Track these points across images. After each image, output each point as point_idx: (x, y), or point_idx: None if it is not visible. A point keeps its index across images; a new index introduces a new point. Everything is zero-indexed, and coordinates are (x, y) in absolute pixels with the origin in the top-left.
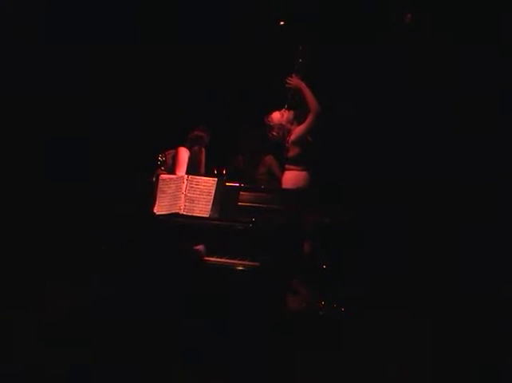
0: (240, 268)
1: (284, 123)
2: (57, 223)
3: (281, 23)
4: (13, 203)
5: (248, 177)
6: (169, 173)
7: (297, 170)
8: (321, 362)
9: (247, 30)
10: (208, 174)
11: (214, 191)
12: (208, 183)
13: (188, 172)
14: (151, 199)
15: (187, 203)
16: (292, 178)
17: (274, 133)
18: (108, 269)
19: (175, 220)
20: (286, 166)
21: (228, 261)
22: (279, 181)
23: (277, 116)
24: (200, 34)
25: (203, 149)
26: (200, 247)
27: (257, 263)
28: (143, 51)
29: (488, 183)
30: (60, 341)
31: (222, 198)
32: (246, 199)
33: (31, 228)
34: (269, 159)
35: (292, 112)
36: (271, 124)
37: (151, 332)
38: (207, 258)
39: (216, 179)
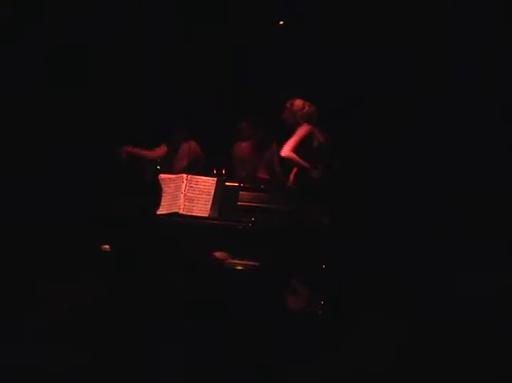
0: (240, 268)
1: (299, 115)
2: (57, 223)
3: (281, 23)
4: (13, 203)
5: (252, 164)
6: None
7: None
8: (321, 362)
9: (245, 28)
10: (208, 174)
11: (213, 191)
12: (207, 183)
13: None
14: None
15: (186, 203)
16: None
17: (285, 117)
18: (109, 269)
19: (174, 220)
20: None
21: (228, 261)
22: (278, 176)
23: (298, 104)
24: (197, 32)
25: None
26: (219, 254)
27: (257, 263)
28: (143, 51)
29: (482, 186)
30: (60, 341)
31: (222, 197)
32: (245, 198)
33: (31, 228)
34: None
35: (313, 109)
36: (288, 108)
37: (150, 332)
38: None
39: (216, 178)
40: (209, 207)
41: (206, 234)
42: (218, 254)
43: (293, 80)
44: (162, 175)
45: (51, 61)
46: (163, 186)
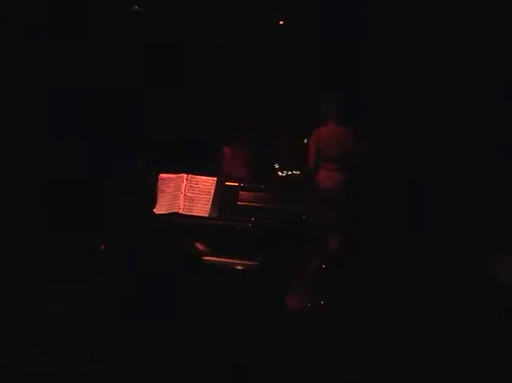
0: (240, 268)
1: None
2: (57, 223)
3: (281, 23)
4: (13, 203)
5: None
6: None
7: (335, 170)
8: (321, 362)
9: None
10: (208, 173)
11: (213, 191)
12: (207, 183)
13: None
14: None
15: (186, 203)
16: (330, 177)
17: None
18: (109, 269)
19: (174, 220)
20: (325, 164)
21: (228, 261)
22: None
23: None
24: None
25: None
26: (200, 245)
27: (257, 263)
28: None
29: (482, 184)
30: (60, 341)
31: (222, 197)
32: (245, 198)
33: (31, 228)
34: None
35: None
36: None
37: (149, 332)
38: (208, 258)
39: (216, 178)
40: (209, 206)
41: (206, 234)
42: (199, 245)
43: (293, 81)
44: (162, 175)
45: None
46: (163, 186)
